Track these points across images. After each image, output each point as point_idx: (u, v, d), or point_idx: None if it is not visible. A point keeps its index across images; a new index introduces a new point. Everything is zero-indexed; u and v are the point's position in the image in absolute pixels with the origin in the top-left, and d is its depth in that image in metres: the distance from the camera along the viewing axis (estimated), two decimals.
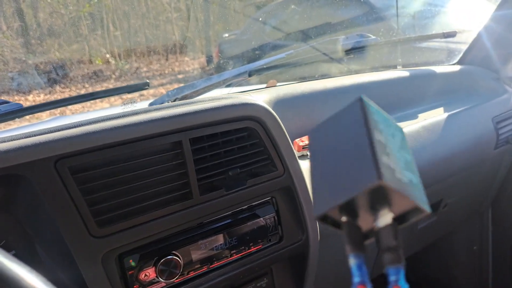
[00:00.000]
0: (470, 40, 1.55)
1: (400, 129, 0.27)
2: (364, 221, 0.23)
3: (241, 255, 0.85)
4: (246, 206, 0.87)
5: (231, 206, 0.84)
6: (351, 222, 0.23)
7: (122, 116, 0.76)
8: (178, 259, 0.76)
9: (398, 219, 0.24)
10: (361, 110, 0.24)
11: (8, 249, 0.69)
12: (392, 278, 0.22)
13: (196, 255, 0.79)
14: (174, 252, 0.77)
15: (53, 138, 0.67)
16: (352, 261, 0.22)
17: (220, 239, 0.82)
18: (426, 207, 0.23)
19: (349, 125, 0.24)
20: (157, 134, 0.75)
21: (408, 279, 1.79)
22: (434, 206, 1.35)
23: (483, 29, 1.50)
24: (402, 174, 0.23)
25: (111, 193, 0.71)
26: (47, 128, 0.71)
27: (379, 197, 0.22)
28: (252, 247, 0.86)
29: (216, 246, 0.82)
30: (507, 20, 1.47)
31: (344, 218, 0.23)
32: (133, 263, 0.74)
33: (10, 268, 0.44)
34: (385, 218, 0.23)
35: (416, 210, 0.23)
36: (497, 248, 1.63)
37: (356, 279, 0.22)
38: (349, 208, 0.22)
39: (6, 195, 0.69)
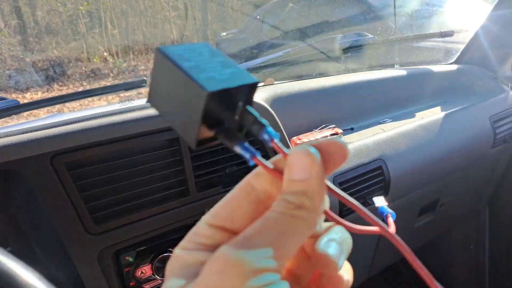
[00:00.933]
0: (467, 39, 1.55)
1: (205, 44, 0.31)
2: (230, 122, 0.27)
3: None
4: None
5: None
6: (220, 129, 0.27)
7: (119, 113, 0.76)
8: None
9: (246, 103, 0.27)
10: (163, 56, 0.27)
11: (3, 245, 0.69)
12: (266, 138, 0.25)
13: None
14: (170, 249, 0.77)
15: (49, 134, 0.67)
16: (238, 149, 0.26)
17: None
18: (253, 79, 0.27)
19: (165, 73, 0.28)
20: (154, 131, 0.75)
21: (404, 277, 1.80)
22: (431, 205, 1.35)
23: (480, 29, 1.50)
24: (223, 73, 0.27)
25: (107, 190, 0.71)
26: (44, 124, 0.70)
27: (221, 101, 0.26)
28: None
29: None
30: (504, 20, 1.48)
31: (214, 130, 0.27)
32: (130, 259, 0.74)
33: (5, 263, 0.44)
34: (238, 108, 0.27)
35: (253, 86, 0.27)
36: (494, 247, 1.64)
37: (246, 156, 0.25)
38: (211, 123, 0.26)
39: (1, 191, 0.68)
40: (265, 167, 0.25)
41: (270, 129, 0.26)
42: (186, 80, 0.26)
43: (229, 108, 0.27)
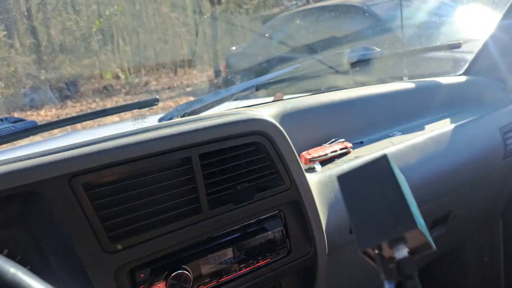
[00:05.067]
0: (476, 49, 1.55)
1: (404, 178, 0.33)
2: (385, 252, 0.30)
3: (250, 269, 0.86)
4: (254, 220, 0.88)
5: (239, 220, 0.85)
6: (381, 254, 0.29)
7: (133, 134, 0.78)
8: (188, 273, 0.77)
9: (412, 252, 0.30)
10: (388, 165, 0.31)
11: (23, 263, 0.71)
12: None
13: (205, 269, 0.80)
14: (184, 266, 0.78)
15: (67, 156, 0.69)
16: (387, 287, 0.28)
17: (229, 253, 0.83)
18: (433, 244, 0.31)
19: (377, 176, 0.31)
20: (167, 151, 0.77)
21: None
22: (443, 218, 1.35)
23: (489, 39, 1.50)
24: (419, 218, 0.30)
25: (123, 209, 0.73)
26: (61, 147, 0.73)
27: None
28: (260, 260, 0.87)
29: (225, 260, 0.82)
30: None
31: (375, 251, 0.29)
32: (144, 277, 0.75)
33: (26, 281, 0.46)
34: (402, 251, 0.29)
35: (426, 245, 0.30)
36: (509, 259, 1.61)
37: None
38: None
39: (22, 211, 0.70)
40: None
41: None
42: (402, 205, 0.29)
43: (393, 244, 0.30)
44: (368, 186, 0.31)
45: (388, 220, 0.29)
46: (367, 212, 0.30)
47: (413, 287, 0.28)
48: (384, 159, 0.31)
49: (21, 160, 0.68)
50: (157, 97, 1.14)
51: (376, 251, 0.29)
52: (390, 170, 0.31)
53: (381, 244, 0.29)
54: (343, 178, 0.32)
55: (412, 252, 0.30)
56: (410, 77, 1.52)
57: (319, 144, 1.12)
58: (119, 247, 0.72)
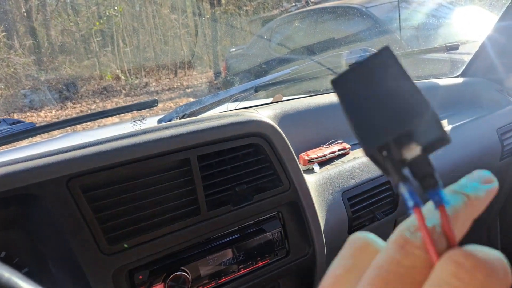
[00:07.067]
0: (473, 51, 1.56)
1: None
2: (396, 154, 0.25)
3: (248, 270, 0.86)
4: (253, 221, 0.88)
5: (238, 221, 0.85)
6: (390, 156, 0.24)
7: (132, 135, 0.78)
8: (186, 274, 0.77)
9: (425, 150, 0.25)
10: (392, 56, 0.26)
11: (21, 266, 0.71)
12: (435, 199, 0.23)
13: (204, 270, 0.80)
14: (182, 267, 0.78)
15: (65, 158, 0.69)
16: (403, 189, 0.24)
17: (227, 254, 0.83)
18: (449, 136, 0.25)
19: (380, 72, 0.25)
20: (166, 152, 0.77)
21: None
22: None
23: (486, 40, 1.51)
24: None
25: (121, 211, 0.73)
26: (59, 148, 0.73)
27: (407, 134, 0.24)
28: (259, 261, 0.87)
29: (224, 261, 0.83)
30: (510, 30, 1.48)
31: (384, 153, 0.24)
32: (143, 279, 0.76)
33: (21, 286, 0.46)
34: (414, 150, 0.24)
35: (442, 138, 0.25)
36: (507, 260, 1.62)
37: (410, 203, 0.23)
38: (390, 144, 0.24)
39: (20, 213, 0.71)
40: (425, 229, 0.22)
41: (443, 192, 0.24)
42: (418, 95, 0.24)
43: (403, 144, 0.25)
44: (371, 85, 0.25)
45: (399, 114, 0.24)
46: (371, 111, 0.25)
47: (436, 183, 0.23)
48: (386, 50, 0.26)
49: (19, 162, 0.69)
50: (156, 98, 1.15)
51: (385, 153, 0.24)
52: (396, 61, 0.25)
53: (390, 145, 0.24)
54: (338, 81, 0.27)
55: (425, 150, 0.25)
56: None
57: (317, 145, 1.12)
58: (120, 247, 0.73)
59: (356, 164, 1.05)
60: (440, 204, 0.23)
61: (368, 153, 0.25)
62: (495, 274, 0.20)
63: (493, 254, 0.21)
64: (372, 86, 0.25)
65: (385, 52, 0.26)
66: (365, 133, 0.25)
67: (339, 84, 0.27)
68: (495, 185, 0.24)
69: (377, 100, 0.25)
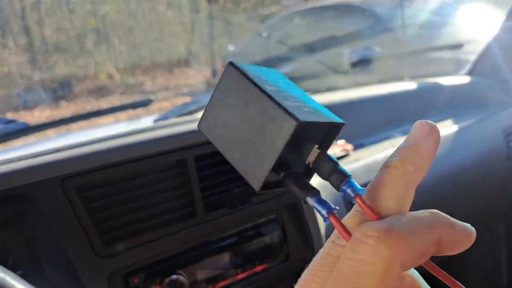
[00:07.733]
0: (478, 50, 1.54)
1: (277, 71, 0.28)
2: (297, 166, 0.24)
3: (247, 274, 0.84)
4: (251, 224, 0.86)
5: (236, 224, 0.83)
6: (289, 173, 0.23)
7: (127, 135, 0.76)
8: (183, 278, 0.76)
9: (322, 146, 0.24)
10: (238, 73, 0.23)
11: (15, 267, 0.70)
12: (348, 191, 0.22)
13: (201, 274, 0.78)
14: (179, 271, 0.76)
15: (59, 158, 0.68)
16: (311, 202, 0.23)
17: (225, 257, 0.81)
18: (339, 119, 0.24)
19: (236, 95, 0.23)
20: (162, 152, 0.75)
21: None
22: None
23: (492, 39, 1.49)
24: (307, 106, 0.23)
25: (116, 212, 0.71)
26: (54, 148, 0.72)
27: (298, 138, 0.22)
28: (258, 265, 0.85)
29: (221, 265, 0.81)
30: None
31: (281, 174, 0.23)
32: (139, 282, 0.74)
33: None
34: (313, 152, 0.24)
35: (334, 127, 0.24)
36: None
37: (323, 213, 0.22)
38: (281, 163, 0.22)
39: (14, 213, 0.69)
40: (344, 230, 0.22)
41: (353, 181, 0.23)
42: (269, 106, 0.22)
43: (300, 150, 0.24)
44: (232, 114, 0.23)
45: (264, 138, 0.22)
46: (242, 147, 0.23)
47: (344, 176, 0.22)
48: (228, 67, 0.24)
49: (12, 161, 0.68)
50: (152, 97, 1.13)
51: (282, 174, 0.23)
52: (240, 76, 0.23)
53: (289, 162, 0.23)
54: (204, 124, 0.25)
55: (321, 145, 0.23)
56: (411, 78, 1.51)
57: None
58: (115, 250, 0.70)
59: (358, 166, 1.03)
60: (356, 193, 0.22)
61: (258, 192, 0.24)
62: (387, 237, 0.20)
63: (389, 220, 0.21)
64: (233, 114, 0.23)
65: (229, 70, 0.24)
66: (247, 171, 0.23)
67: (205, 127, 0.25)
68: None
69: (242, 128, 0.23)
